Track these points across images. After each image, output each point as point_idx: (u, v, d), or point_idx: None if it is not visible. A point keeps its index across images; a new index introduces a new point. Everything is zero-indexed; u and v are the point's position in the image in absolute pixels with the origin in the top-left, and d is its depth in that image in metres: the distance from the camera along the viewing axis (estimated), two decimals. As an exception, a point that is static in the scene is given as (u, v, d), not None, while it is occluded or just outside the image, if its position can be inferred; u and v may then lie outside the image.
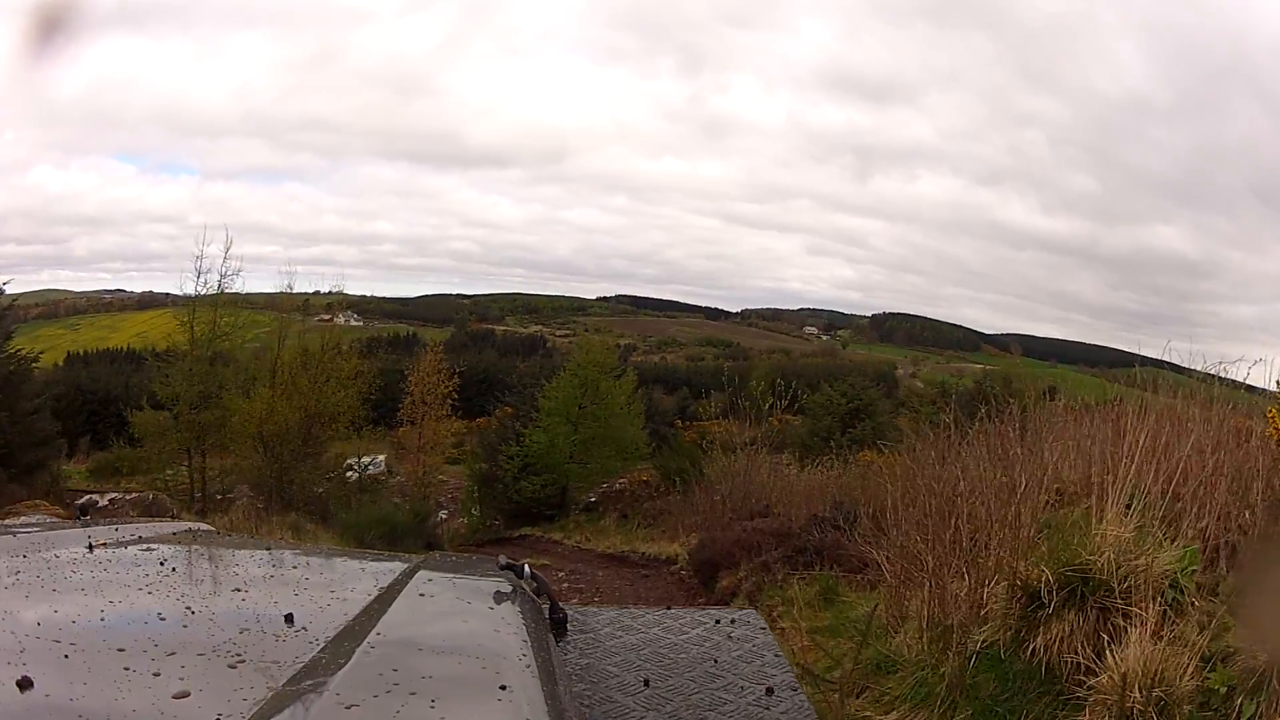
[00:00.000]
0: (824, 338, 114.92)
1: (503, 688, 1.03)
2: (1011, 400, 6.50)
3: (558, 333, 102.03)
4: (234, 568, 1.69)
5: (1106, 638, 3.54)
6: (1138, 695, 3.17)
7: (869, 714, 4.29)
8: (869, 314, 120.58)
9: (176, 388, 19.27)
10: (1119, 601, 3.63)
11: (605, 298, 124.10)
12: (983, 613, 4.14)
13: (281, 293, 23.06)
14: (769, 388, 16.03)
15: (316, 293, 38.48)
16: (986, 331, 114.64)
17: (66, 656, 0.99)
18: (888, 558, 5.39)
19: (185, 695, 0.93)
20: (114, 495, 16.49)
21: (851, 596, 6.43)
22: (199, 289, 19.90)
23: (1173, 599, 3.72)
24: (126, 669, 0.98)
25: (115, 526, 1.85)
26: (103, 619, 1.15)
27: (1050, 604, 3.68)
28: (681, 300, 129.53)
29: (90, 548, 1.52)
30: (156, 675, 0.97)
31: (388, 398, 26.66)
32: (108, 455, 27.14)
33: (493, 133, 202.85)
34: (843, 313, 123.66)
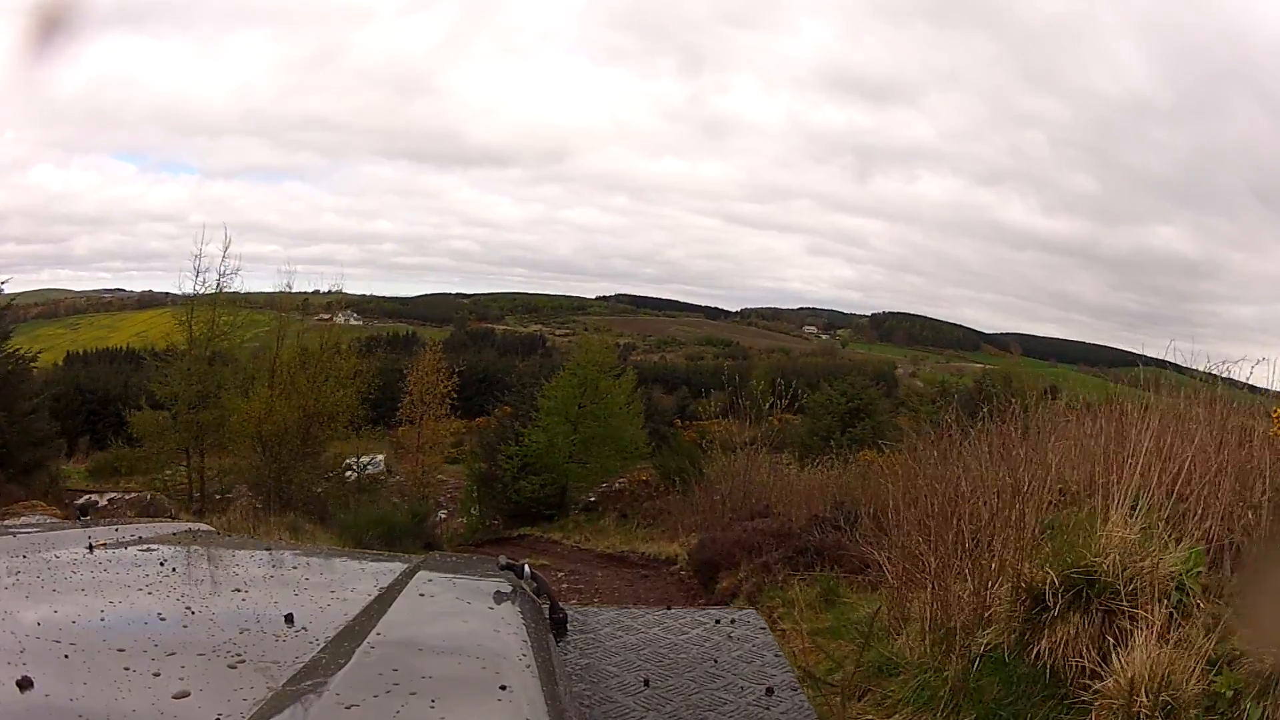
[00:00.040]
0: (823, 337, 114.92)
1: (503, 688, 1.03)
2: (1013, 400, 6.46)
3: (557, 332, 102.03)
4: (234, 568, 1.69)
5: (1112, 641, 3.50)
6: (1145, 700, 3.12)
7: (871, 717, 4.24)
8: (869, 313, 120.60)
9: (175, 387, 19.23)
10: (1124, 604, 3.59)
11: (605, 297, 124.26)
12: (986, 615, 4.09)
13: (281, 292, 23.05)
14: (769, 387, 16.00)
15: (316, 292, 38.50)
16: (986, 331, 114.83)
17: (66, 657, 0.99)
18: (889, 558, 5.35)
19: (185, 695, 0.93)
20: (113, 495, 16.47)
21: (853, 598, 6.39)
22: (197, 288, 19.89)
23: (1178, 601, 3.68)
24: (126, 669, 0.98)
25: (115, 527, 1.84)
26: (103, 619, 1.15)
27: (1055, 606, 3.64)
28: (681, 300, 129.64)
29: (90, 548, 1.52)
30: (156, 675, 0.97)
31: (387, 397, 26.62)
32: (106, 455, 27.10)
33: (493, 132, 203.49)
34: (842, 312, 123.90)
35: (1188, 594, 3.72)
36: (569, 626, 1.71)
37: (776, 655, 1.71)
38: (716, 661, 1.67)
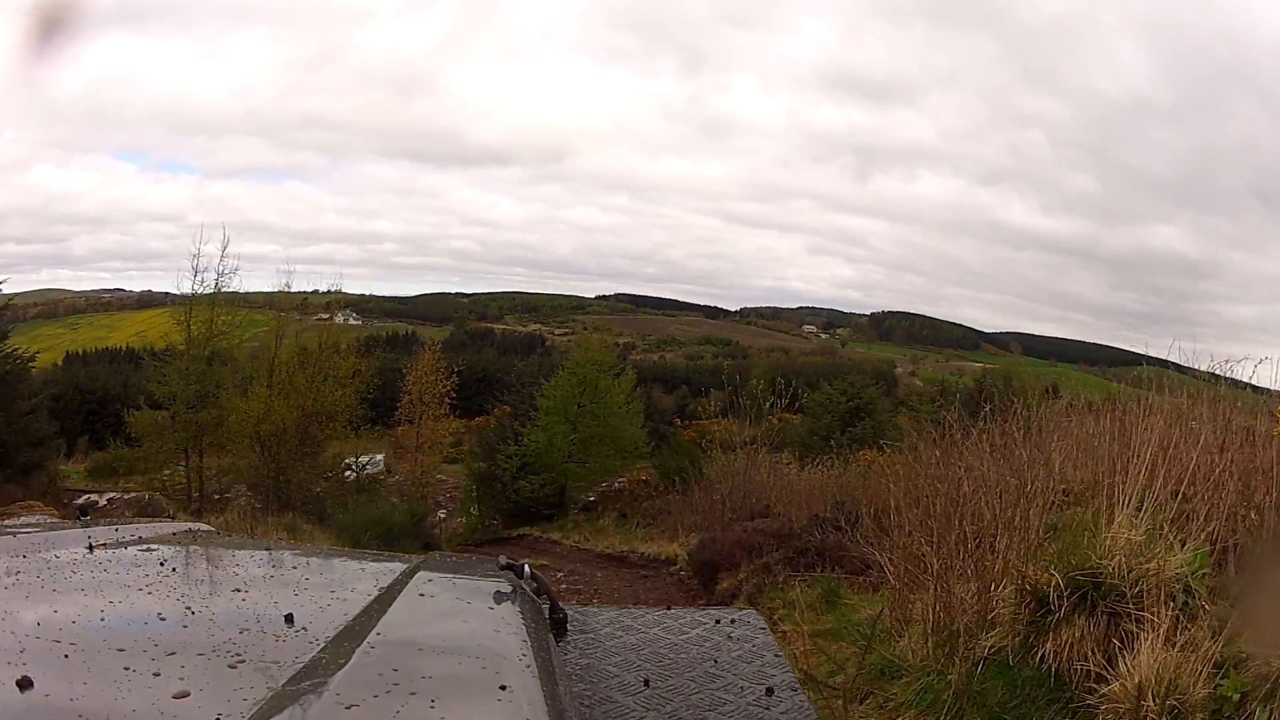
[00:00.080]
0: (823, 336, 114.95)
1: (503, 688, 1.03)
2: (1015, 399, 6.43)
3: (557, 331, 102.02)
4: (234, 568, 1.68)
5: (1118, 644, 3.46)
6: (1152, 704, 3.08)
7: (873, 720, 4.21)
8: (868, 313, 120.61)
9: (173, 387, 19.20)
10: (1130, 606, 3.54)
11: (604, 296, 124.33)
12: (990, 617, 4.05)
13: (280, 292, 23.04)
14: (769, 386, 15.97)
15: (315, 291, 38.42)
16: (986, 330, 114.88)
17: (66, 656, 0.99)
18: (890, 559, 5.31)
19: (185, 695, 0.93)
20: (112, 495, 16.42)
21: (854, 599, 6.35)
22: (196, 288, 19.86)
23: (1184, 603, 3.64)
24: (126, 669, 0.98)
25: (115, 527, 1.84)
26: (103, 619, 1.15)
27: (1060, 609, 3.59)
28: (681, 299, 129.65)
29: (90, 548, 1.51)
30: (156, 675, 0.97)
31: (386, 397, 26.61)
32: (105, 455, 27.08)
33: (493, 132, 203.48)
34: (842, 311, 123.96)
35: (1193, 596, 3.68)
36: (569, 626, 1.71)
37: (776, 655, 1.71)
38: (716, 661, 1.67)
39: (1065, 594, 3.62)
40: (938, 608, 4.45)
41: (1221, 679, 3.35)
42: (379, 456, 27.48)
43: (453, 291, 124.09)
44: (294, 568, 1.70)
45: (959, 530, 4.65)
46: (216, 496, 19.51)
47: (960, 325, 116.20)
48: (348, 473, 22.80)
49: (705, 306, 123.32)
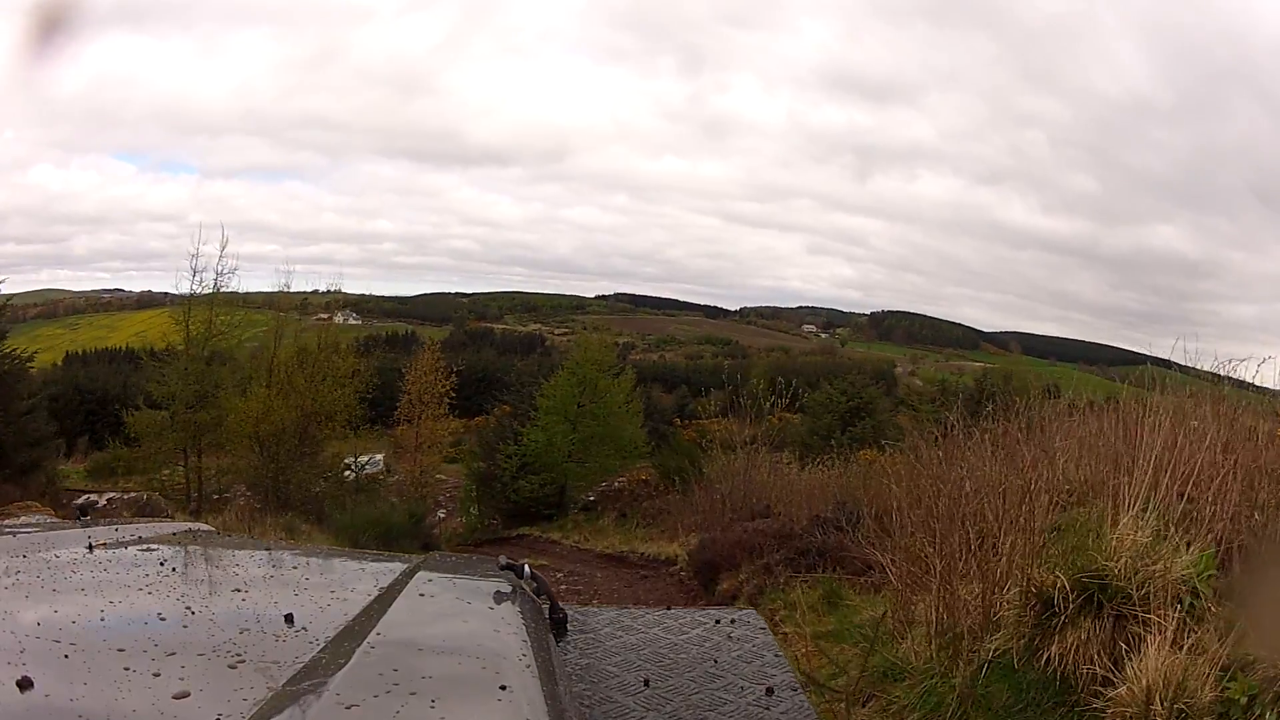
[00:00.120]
0: (823, 336, 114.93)
1: (503, 688, 1.03)
2: (1017, 399, 6.38)
3: (556, 331, 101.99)
4: (234, 568, 1.68)
5: (1124, 647, 3.42)
6: (1160, 708, 3.04)
7: (876, 723, 4.17)
8: (868, 312, 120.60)
9: (172, 387, 19.17)
10: (1136, 608, 3.50)
11: (604, 296, 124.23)
12: (994, 619, 4.00)
13: (280, 292, 23.02)
14: (769, 386, 15.94)
15: (315, 291, 38.41)
16: (986, 330, 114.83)
17: (66, 657, 0.99)
18: (892, 560, 5.27)
19: (185, 695, 0.93)
20: (112, 495, 16.38)
21: (856, 600, 6.31)
22: (195, 288, 19.82)
23: (1190, 605, 3.60)
24: (126, 669, 0.98)
25: (115, 527, 1.83)
26: (103, 619, 1.15)
27: (1065, 611, 3.55)
28: (681, 299, 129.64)
29: (90, 548, 1.51)
30: (156, 675, 0.97)
31: (386, 397, 26.59)
32: (105, 455, 27.07)
33: (493, 131, 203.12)
34: (842, 311, 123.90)
35: (1199, 598, 3.64)
36: (569, 626, 1.71)
37: (776, 655, 1.71)
38: (716, 661, 1.67)
39: (1071, 596, 3.58)
40: (941, 609, 4.41)
41: (1229, 682, 3.31)
42: (378, 456, 27.46)
43: (452, 291, 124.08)
44: (294, 568, 1.70)
45: (962, 531, 4.61)
46: (216, 496, 19.48)
47: (960, 325, 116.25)
48: (347, 473, 22.77)
49: (705, 306, 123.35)
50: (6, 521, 2.48)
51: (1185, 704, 3.14)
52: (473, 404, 35.05)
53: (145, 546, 1.63)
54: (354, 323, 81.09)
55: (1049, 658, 3.58)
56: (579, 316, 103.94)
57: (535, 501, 21.88)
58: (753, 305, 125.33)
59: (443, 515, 25.59)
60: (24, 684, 0.89)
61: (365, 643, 1.10)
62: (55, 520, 2.59)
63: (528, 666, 1.14)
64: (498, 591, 1.49)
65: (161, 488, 19.12)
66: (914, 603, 4.87)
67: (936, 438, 6.14)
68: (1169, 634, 3.35)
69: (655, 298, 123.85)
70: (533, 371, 29.46)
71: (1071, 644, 3.52)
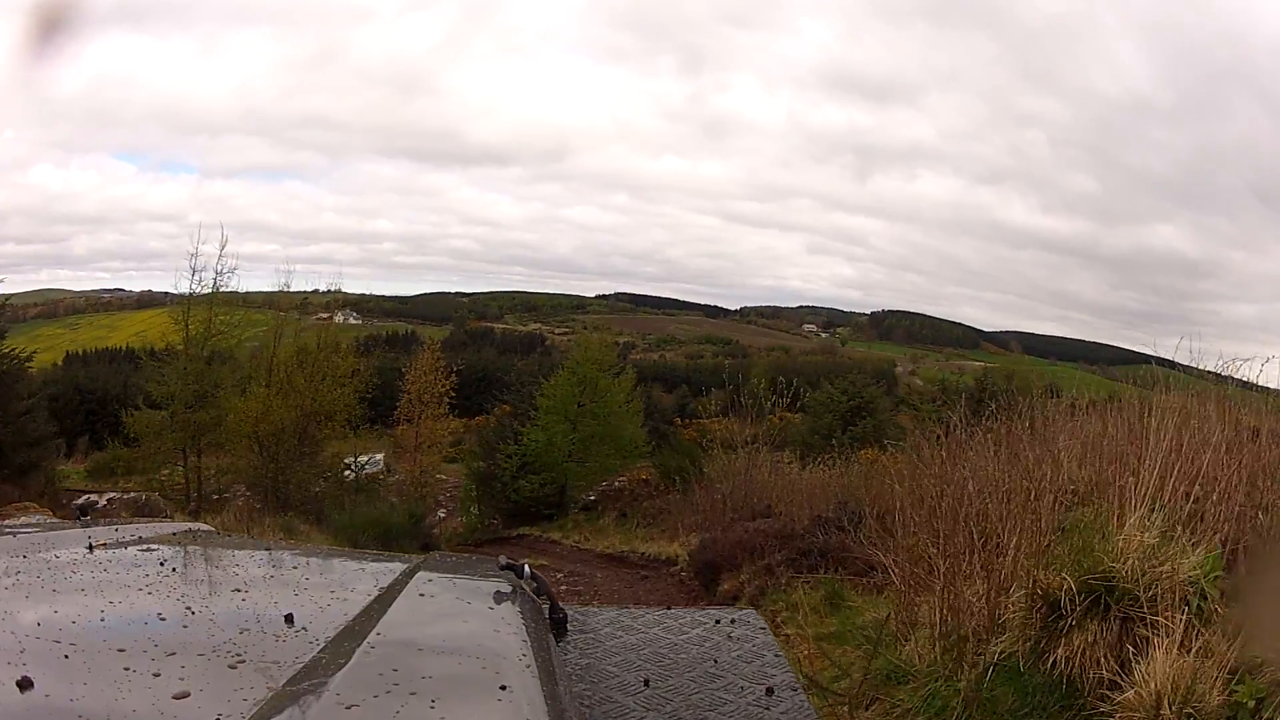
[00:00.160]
0: (823, 335, 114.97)
1: (503, 688, 1.03)
2: (1020, 398, 6.34)
3: (557, 331, 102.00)
4: (234, 568, 1.67)
5: (1131, 650, 3.37)
6: (1169, 713, 2.99)
7: (879, 727, 4.12)
8: (868, 312, 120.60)
9: (171, 387, 19.14)
10: (1144, 610, 3.45)
11: (604, 295, 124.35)
12: (1000, 621, 3.96)
13: (280, 291, 23.00)
14: (769, 385, 15.90)
15: (315, 291, 38.33)
16: (986, 329, 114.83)
17: (67, 657, 0.99)
18: (895, 561, 5.22)
19: (185, 695, 0.93)
20: (112, 495, 16.34)
21: (858, 601, 6.26)
22: (194, 287, 19.79)
23: (1197, 606, 3.55)
24: (126, 669, 0.98)
25: (115, 527, 1.83)
26: (103, 619, 1.14)
27: (1072, 613, 3.50)
28: (681, 298, 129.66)
29: (90, 548, 1.51)
30: (156, 675, 0.97)
31: (386, 396, 26.56)
32: (105, 455, 27.04)
33: (493, 131, 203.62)
34: (842, 310, 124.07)
35: (1206, 599, 3.60)
36: (569, 626, 1.71)
37: (776, 655, 1.71)
38: (716, 661, 1.67)
39: (1077, 598, 3.53)
40: (945, 611, 4.36)
41: (1236, 685, 3.27)
42: (379, 456, 27.43)
43: (453, 291, 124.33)
44: (294, 568, 1.69)
45: (966, 531, 4.56)
46: (215, 497, 19.45)
47: (960, 324, 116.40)
48: (347, 472, 22.74)
49: (705, 306, 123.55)
50: (6, 522, 2.47)
51: (1194, 708, 3.10)
52: (473, 404, 35.02)
53: (145, 546, 1.63)
54: (354, 322, 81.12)
55: (1055, 661, 3.53)
56: (579, 316, 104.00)
57: (535, 501, 21.84)
58: (753, 305, 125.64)
59: (443, 515, 25.56)
60: (24, 684, 0.89)
61: (365, 643, 1.10)
62: (55, 520, 2.58)
63: (528, 666, 1.13)
64: (498, 591, 1.48)
65: (161, 488, 19.09)
66: (917, 604, 4.82)
67: (939, 437, 6.10)
68: (1177, 637, 3.31)
69: (655, 297, 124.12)
70: (533, 371, 29.40)
71: (1078, 647, 3.48)
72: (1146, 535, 3.69)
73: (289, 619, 1.19)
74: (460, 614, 1.40)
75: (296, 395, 19.73)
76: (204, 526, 2.37)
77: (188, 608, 1.23)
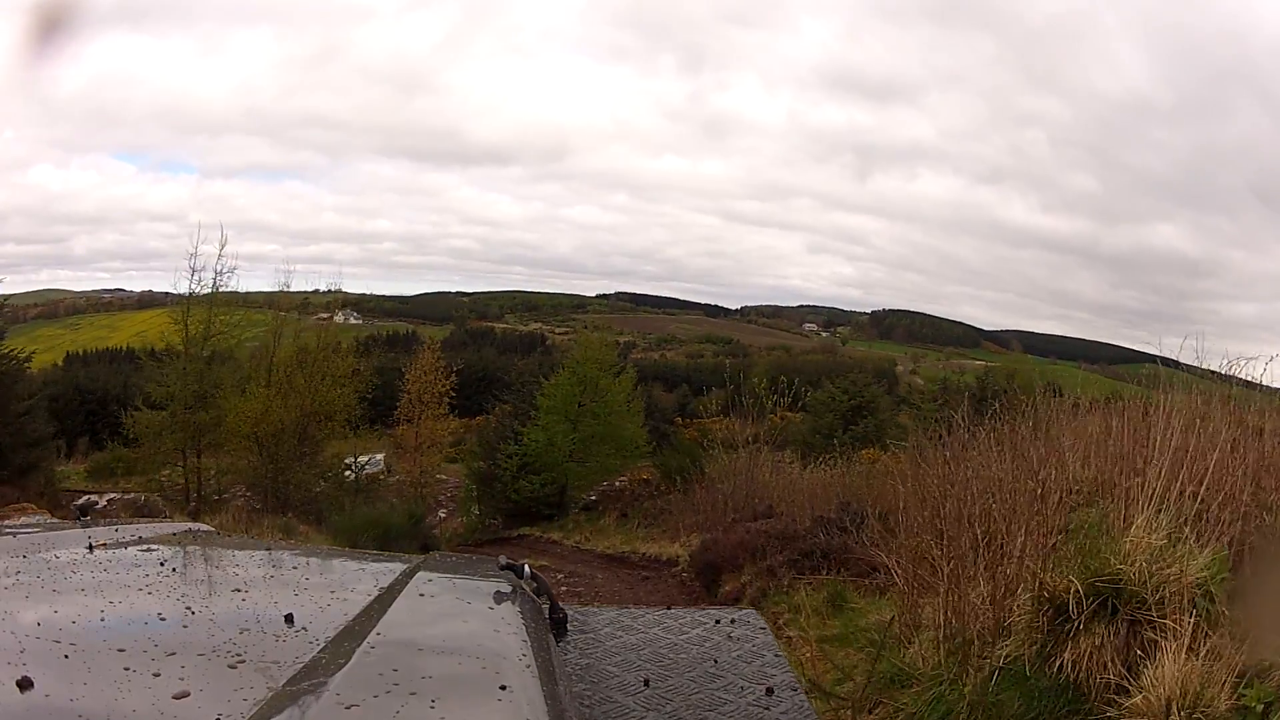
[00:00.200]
0: (823, 334, 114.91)
1: (503, 688, 1.03)
2: (1024, 397, 6.30)
3: (557, 330, 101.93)
4: (234, 568, 1.67)
5: (1139, 653, 3.32)
6: (1178, 718, 2.95)
7: (883, 730, 4.07)
8: (869, 311, 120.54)
9: (171, 387, 19.09)
10: (1151, 613, 3.41)
11: (605, 295, 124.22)
12: (1006, 624, 3.91)
13: (280, 291, 22.96)
14: (770, 385, 15.87)
15: (315, 291, 38.27)
16: (986, 328, 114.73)
17: (67, 657, 1.00)
18: (898, 562, 5.18)
19: (185, 695, 0.93)
20: (112, 496, 16.32)
21: (861, 603, 6.21)
22: (193, 287, 19.74)
23: (1205, 609, 3.51)
24: (126, 669, 0.98)
25: (115, 527, 1.83)
26: (103, 619, 1.14)
27: (1079, 617, 3.45)
28: (681, 297, 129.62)
29: (90, 548, 1.51)
30: (156, 675, 0.97)
31: (386, 396, 26.50)
32: (105, 456, 26.99)
33: (494, 130, 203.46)
34: (842, 310, 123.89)
35: (1213, 601, 3.55)
36: (569, 626, 1.71)
37: (776, 655, 1.71)
38: (716, 661, 1.68)
39: (1085, 601, 3.48)
40: (949, 613, 4.31)
41: (1244, 689, 3.23)
42: (379, 456, 27.40)
43: (453, 290, 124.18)
44: (294, 568, 1.69)
45: (970, 532, 4.51)
46: (215, 497, 19.41)
47: (961, 323, 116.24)
48: (347, 473, 22.70)
49: (706, 305, 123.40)
50: (6, 522, 2.46)
51: (1203, 713, 3.06)
52: (473, 403, 34.90)
53: (145, 547, 1.63)
54: (354, 322, 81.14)
55: (1062, 664, 3.49)
56: (579, 315, 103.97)
57: (536, 501, 21.79)
58: (753, 304, 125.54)
59: (443, 515, 25.53)
60: (24, 684, 0.89)
61: (365, 643, 1.10)
62: (55, 521, 2.59)
63: (528, 666, 1.13)
64: (498, 591, 1.48)
65: (161, 488, 19.06)
66: (921, 606, 4.78)
67: (941, 437, 6.05)
68: (1185, 640, 3.26)
69: (656, 296, 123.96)
70: (533, 371, 29.32)
71: (1085, 650, 3.43)
72: (1154, 537, 3.64)
73: (289, 619, 1.19)
74: (460, 614, 1.40)
75: (296, 395, 19.69)
76: (204, 527, 2.37)
77: (188, 608, 1.23)
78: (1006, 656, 3.75)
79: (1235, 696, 3.20)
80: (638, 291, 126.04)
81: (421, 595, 1.40)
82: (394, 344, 55.91)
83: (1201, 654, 3.28)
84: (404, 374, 27.68)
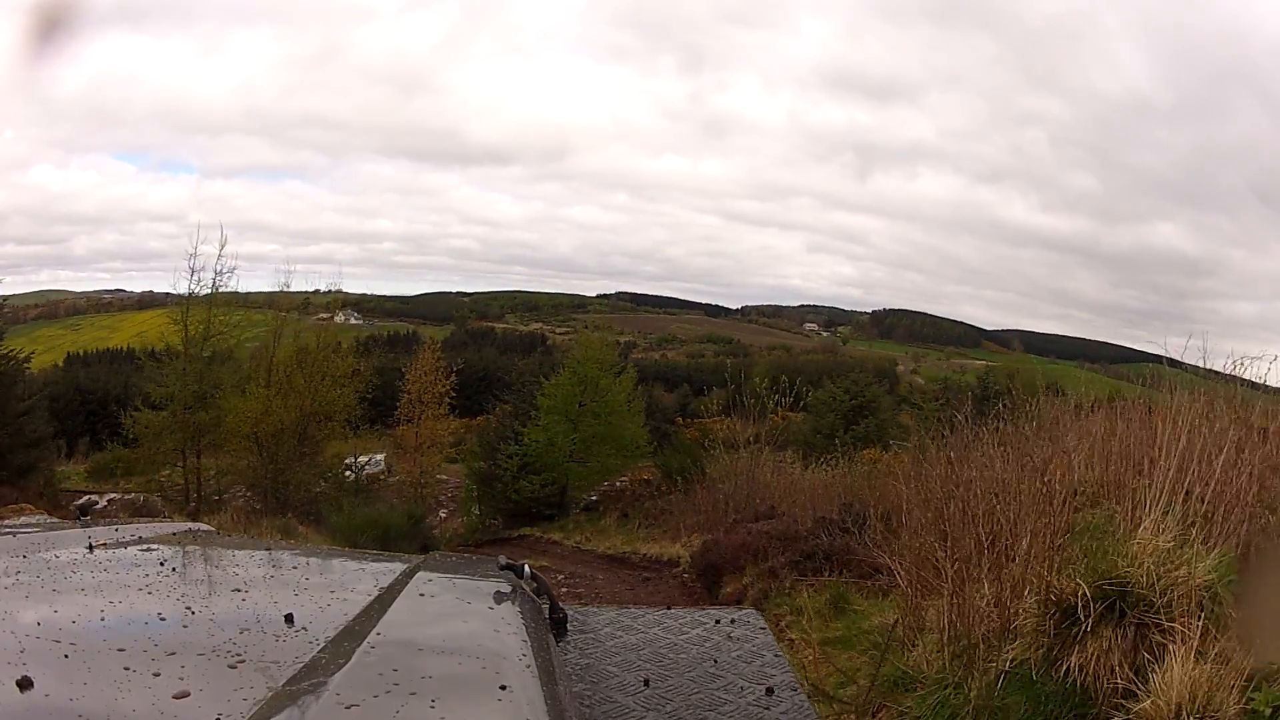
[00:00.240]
0: (824, 334, 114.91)
1: (503, 688, 1.03)
2: (1027, 397, 6.26)
3: (557, 330, 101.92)
4: (234, 568, 1.67)
5: (1147, 657, 3.28)
6: (1188, 722, 2.91)
7: (886, 735, 4.03)
8: (869, 310, 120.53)
9: (170, 388, 19.06)
10: (1159, 616, 3.36)
11: (605, 295, 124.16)
12: (1011, 627, 3.86)
13: (280, 291, 22.93)
14: (771, 384, 15.84)
15: (315, 291, 38.26)
16: (986, 328, 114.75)
17: (67, 657, 1.00)
18: (901, 563, 5.14)
19: (185, 695, 0.93)
20: (113, 496, 16.31)
21: (863, 605, 6.16)
22: (193, 288, 19.71)
23: (1213, 612, 3.46)
24: (126, 669, 0.98)
25: (115, 527, 1.83)
26: (103, 619, 1.15)
27: (1087, 620, 3.41)
28: (682, 297, 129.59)
29: (90, 548, 1.51)
30: (156, 675, 0.97)
31: (386, 396, 26.47)
32: (105, 456, 26.99)
33: (494, 130, 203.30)
34: (843, 309, 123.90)
35: (1221, 604, 3.51)
36: (569, 626, 1.72)
37: (776, 655, 1.71)
38: (716, 661, 1.68)
39: (1092, 604, 3.44)
40: (953, 616, 4.27)
41: (1253, 693, 3.18)
42: (379, 456, 27.37)
43: (453, 290, 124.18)
44: (294, 568, 1.68)
45: (974, 533, 4.47)
46: (215, 498, 19.38)
47: (961, 323, 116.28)
48: (347, 473, 22.67)
49: (706, 305, 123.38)
50: (6, 522, 2.44)
51: (1212, 717, 3.01)
52: (473, 404, 34.85)
53: (145, 547, 1.63)
54: (355, 322, 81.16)
55: (1069, 668, 3.44)
56: (580, 315, 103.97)
57: (536, 502, 21.77)
58: (754, 304, 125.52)
59: (444, 515, 25.52)
60: (24, 684, 0.90)
61: (365, 643, 1.10)
62: (55, 521, 2.59)
63: (528, 666, 1.14)
64: (498, 591, 1.48)
65: (161, 489, 19.03)
66: (925, 608, 4.73)
67: (944, 437, 6.02)
68: (1194, 644, 3.22)
69: (656, 296, 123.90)
70: (534, 371, 29.29)
71: (1092, 654, 3.38)
72: (1161, 539, 3.60)
73: (289, 619, 1.19)
74: (460, 614, 1.40)
75: (296, 395, 19.66)
76: (204, 526, 2.36)
77: (188, 608, 1.23)
78: (1012, 660, 3.71)
79: (1244, 700, 3.16)
80: (638, 291, 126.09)
81: (421, 595, 1.39)
82: (394, 344, 55.86)
83: (1210, 658, 3.24)
84: (404, 374, 27.65)
